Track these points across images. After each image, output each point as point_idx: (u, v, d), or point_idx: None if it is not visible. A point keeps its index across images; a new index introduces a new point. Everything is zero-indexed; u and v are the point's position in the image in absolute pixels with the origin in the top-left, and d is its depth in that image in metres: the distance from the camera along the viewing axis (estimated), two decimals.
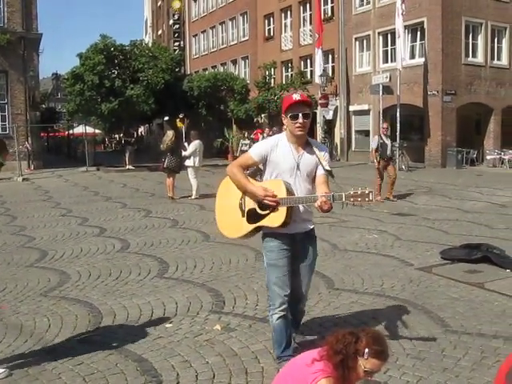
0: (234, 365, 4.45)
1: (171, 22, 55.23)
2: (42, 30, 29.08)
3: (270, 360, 4.51)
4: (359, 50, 32.24)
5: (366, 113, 31.58)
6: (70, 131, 45.12)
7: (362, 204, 3.85)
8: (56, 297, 6.31)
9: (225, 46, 46.57)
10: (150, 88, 31.07)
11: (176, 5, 52.64)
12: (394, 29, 26.81)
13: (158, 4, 65.36)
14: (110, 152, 53.44)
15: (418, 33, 28.38)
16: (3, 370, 4.30)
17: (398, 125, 26.00)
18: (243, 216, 4.26)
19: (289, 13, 37.89)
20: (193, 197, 15.34)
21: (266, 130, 26.78)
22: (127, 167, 28.55)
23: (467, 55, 28.17)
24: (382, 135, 14.72)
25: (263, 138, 21.78)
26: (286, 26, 38.65)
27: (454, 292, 6.32)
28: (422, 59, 27.83)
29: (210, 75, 36.18)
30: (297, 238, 4.29)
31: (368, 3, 31.02)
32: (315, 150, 4.25)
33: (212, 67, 46.22)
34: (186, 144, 16.39)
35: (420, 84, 27.85)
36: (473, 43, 28.55)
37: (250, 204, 4.21)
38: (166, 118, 33.60)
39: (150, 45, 39.87)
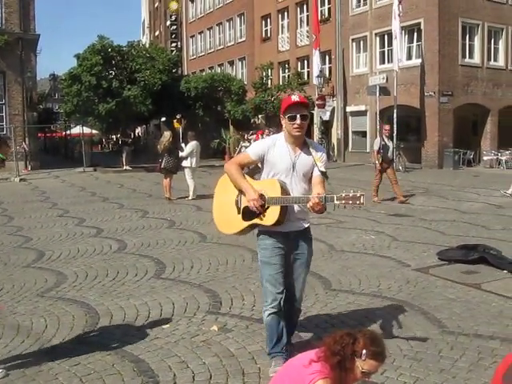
0: (230, 365, 4.45)
1: (168, 22, 55.22)
2: (39, 31, 29.13)
3: (266, 361, 4.50)
4: (356, 51, 32.25)
5: (362, 114, 31.60)
6: (68, 132, 45.07)
7: (352, 207, 3.89)
8: (53, 297, 6.31)
9: (222, 46, 46.58)
10: (147, 89, 31.07)
11: (173, 6, 52.63)
12: (391, 30, 26.84)
13: (156, 5, 65.33)
14: (107, 153, 53.37)
15: (415, 34, 28.42)
16: (0, 370, 4.30)
17: (395, 126, 26.02)
18: (239, 213, 4.31)
19: (286, 14, 37.91)
20: (190, 197, 15.34)
21: (266, 131, 26.77)
22: (124, 168, 28.53)
23: (464, 56, 28.22)
24: (384, 137, 14.65)
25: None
26: (282, 26, 38.66)
27: (451, 293, 6.33)
28: (419, 60, 27.86)
29: (207, 76, 36.21)
30: (291, 236, 4.34)
31: (365, 4, 31.05)
32: (312, 150, 4.29)
33: (209, 68, 46.23)
34: (183, 145, 16.40)
35: (417, 85, 27.89)
36: (469, 44, 28.59)
37: (246, 202, 4.25)
38: (163, 119, 33.67)
39: (147, 46, 39.82)
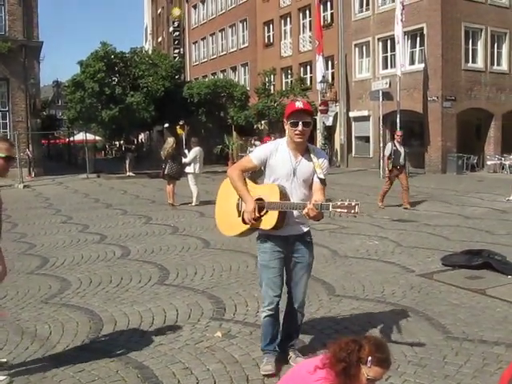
0: (234, 372, 4.44)
1: (171, 29, 55.35)
2: (42, 38, 29.23)
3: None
4: (359, 56, 32.30)
5: (365, 119, 31.62)
6: (71, 138, 45.18)
7: (347, 215, 3.93)
8: (57, 304, 6.31)
9: (224, 52, 46.68)
10: (150, 95, 31.16)
11: (176, 12, 52.76)
12: (394, 35, 26.84)
13: (158, 11, 65.51)
14: (110, 159, 53.51)
15: (418, 39, 28.44)
16: (4, 377, 4.30)
17: (398, 131, 25.97)
18: (239, 216, 4.40)
19: (288, 19, 38.00)
20: (193, 203, 15.34)
21: (272, 138, 26.72)
22: (127, 174, 28.58)
23: (467, 61, 28.22)
24: (396, 142, 14.45)
25: None
26: (285, 32, 38.75)
27: (456, 298, 6.31)
28: (422, 65, 27.89)
29: (209, 82, 36.27)
30: (290, 240, 4.40)
31: (367, 9, 31.11)
32: (313, 157, 4.33)
33: (212, 74, 46.32)
34: (186, 151, 16.41)
35: (420, 90, 27.89)
36: (473, 49, 28.60)
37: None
38: (166, 125, 33.71)
39: (150, 52, 39.98)
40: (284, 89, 35.03)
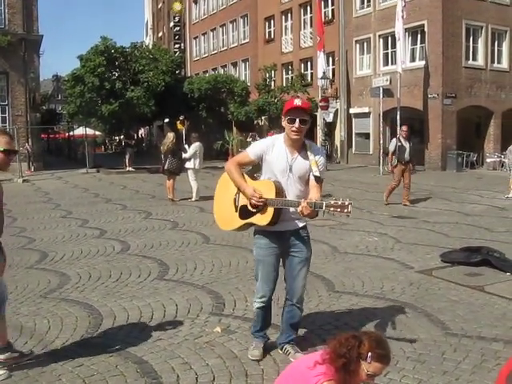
0: (234, 367, 4.45)
1: (172, 24, 55.30)
2: (42, 32, 29.17)
3: (270, 362, 4.52)
4: (360, 53, 32.26)
5: (366, 115, 31.60)
6: (71, 133, 45.14)
7: (340, 215, 3.99)
8: (56, 298, 6.31)
9: (225, 48, 46.62)
10: (150, 90, 31.11)
11: (176, 7, 52.69)
12: (395, 31, 26.80)
13: (159, 6, 65.43)
14: (110, 154, 53.47)
15: (419, 36, 28.39)
16: (3, 371, 4.31)
17: (398, 128, 25.96)
18: (236, 211, 4.47)
19: (289, 15, 37.94)
20: (193, 199, 15.34)
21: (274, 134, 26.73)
22: (127, 169, 28.55)
23: (467, 58, 28.19)
24: (401, 138, 14.24)
25: None
26: (286, 28, 38.69)
27: (454, 295, 6.32)
28: (423, 62, 27.85)
29: (210, 77, 36.24)
30: (286, 235, 4.45)
31: (368, 6, 31.06)
32: (310, 154, 4.36)
33: (212, 69, 46.29)
34: (186, 146, 16.40)
35: (420, 87, 27.87)
36: (473, 46, 28.56)
37: (243, 200, 4.40)
38: (167, 120, 33.69)
39: (150, 47, 39.89)
40: (284, 85, 34.98)
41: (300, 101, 4.31)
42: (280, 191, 4.28)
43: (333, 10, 33.75)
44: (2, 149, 4.23)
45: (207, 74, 41.24)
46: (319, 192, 4.28)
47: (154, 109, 31.35)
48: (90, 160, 29.23)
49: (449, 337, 5.03)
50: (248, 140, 32.98)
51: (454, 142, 27.60)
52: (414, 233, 10.37)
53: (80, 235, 10.37)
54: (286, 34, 38.75)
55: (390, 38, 29.35)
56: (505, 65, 29.75)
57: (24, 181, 22.95)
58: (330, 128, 33.67)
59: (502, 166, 27.35)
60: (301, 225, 4.48)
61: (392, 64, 29.08)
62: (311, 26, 35.37)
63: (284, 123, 4.33)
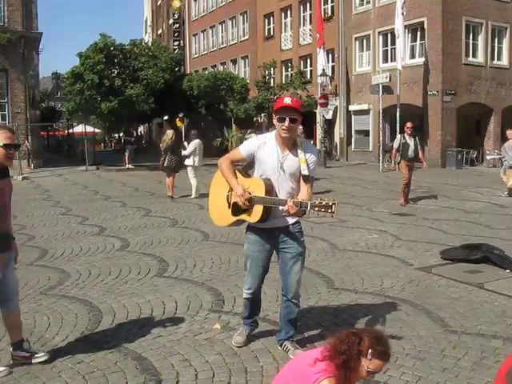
0: (233, 364, 4.45)
1: (171, 21, 55.20)
2: (41, 29, 29.14)
3: (269, 359, 4.52)
4: (359, 50, 32.22)
5: (365, 112, 31.57)
6: (70, 130, 45.13)
7: (324, 215, 4.02)
8: (56, 295, 6.32)
9: (225, 45, 46.55)
10: (149, 87, 31.07)
11: (176, 4, 52.56)
12: (394, 28, 26.77)
13: (158, 3, 65.33)
14: (109, 151, 53.44)
15: (418, 32, 28.35)
16: (3, 368, 4.31)
17: (398, 125, 25.97)
18: (229, 207, 4.52)
19: (289, 12, 37.87)
20: (192, 196, 15.34)
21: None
22: (127, 166, 28.52)
23: (467, 55, 28.16)
24: (406, 135, 14.05)
25: None
26: (285, 25, 38.62)
27: (454, 292, 6.32)
28: (422, 59, 27.82)
29: (209, 75, 36.18)
30: (277, 231, 4.51)
31: (368, 3, 31.00)
32: (300, 152, 4.39)
33: (212, 67, 46.21)
34: (185, 143, 16.38)
35: (420, 84, 27.84)
36: (473, 43, 28.53)
37: (235, 198, 4.43)
38: (166, 118, 33.58)
39: (149, 44, 39.84)
40: (284, 82, 34.96)
41: (290, 99, 4.35)
42: (270, 189, 4.33)
43: (332, 6, 33.69)
44: (1, 144, 4.22)
45: (207, 71, 41.16)
46: (309, 190, 4.33)
47: (154, 106, 31.31)
48: (90, 157, 29.20)
49: (448, 334, 5.03)
50: (246, 137, 32.94)
51: (453, 139, 27.59)
52: (413, 230, 10.37)
53: (80, 232, 10.37)
54: (285, 31, 38.68)
55: (389, 34, 29.30)
56: (505, 62, 29.73)
57: (24, 178, 22.94)
58: (329, 125, 33.62)
59: (502, 163, 27.33)
60: (292, 221, 4.51)
61: (392, 61, 29.05)
62: (311, 22, 35.32)
63: (275, 121, 4.38)
